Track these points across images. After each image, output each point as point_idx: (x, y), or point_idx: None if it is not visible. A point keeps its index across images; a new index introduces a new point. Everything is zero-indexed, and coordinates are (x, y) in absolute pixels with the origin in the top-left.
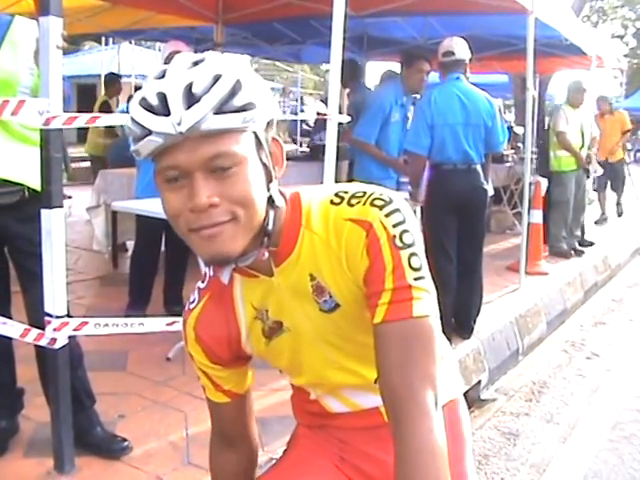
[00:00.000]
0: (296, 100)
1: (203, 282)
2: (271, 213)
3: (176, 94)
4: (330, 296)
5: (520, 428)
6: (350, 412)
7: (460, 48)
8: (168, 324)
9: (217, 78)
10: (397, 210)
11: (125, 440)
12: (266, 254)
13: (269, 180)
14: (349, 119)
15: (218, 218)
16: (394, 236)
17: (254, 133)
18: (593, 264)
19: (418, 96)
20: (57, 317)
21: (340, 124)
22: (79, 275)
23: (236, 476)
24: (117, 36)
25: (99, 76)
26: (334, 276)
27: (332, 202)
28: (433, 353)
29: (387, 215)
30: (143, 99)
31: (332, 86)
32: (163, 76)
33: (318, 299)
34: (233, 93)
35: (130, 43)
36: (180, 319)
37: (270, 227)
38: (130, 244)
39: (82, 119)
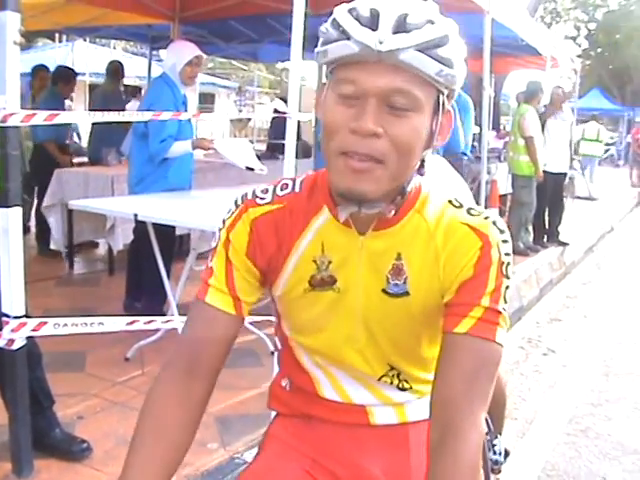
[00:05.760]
0: (252, 98)
1: (282, 190)
2: (414, 176)
3: (390, 16)
4: (404, 282)
5: None
6: (337, 402)
7: None
8: (128, 323)
9: (431, 22)
10: (508, 242)
11: (84, 442)
12: (392, 212)
13: (427, 146)
14: (311, 117)
15: (373, 152)
16: (503, 263)
17: (438, 93)
18: (548, 261)
19: None
20: (15, 317)
21: None
22: (35, 275)
23: (190, 409)
24: (71, 33)
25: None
26: (422, 266)
27: (451, 202)
28: (494, 381)
29: (504, 242)
30: (353, 9)
31: (292, 84)
32: None
33: (390, 279)
34: (439, 43)
35: (84, 40)
36: (140, 318)
37: (408, 189)
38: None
39: (40, 116)
